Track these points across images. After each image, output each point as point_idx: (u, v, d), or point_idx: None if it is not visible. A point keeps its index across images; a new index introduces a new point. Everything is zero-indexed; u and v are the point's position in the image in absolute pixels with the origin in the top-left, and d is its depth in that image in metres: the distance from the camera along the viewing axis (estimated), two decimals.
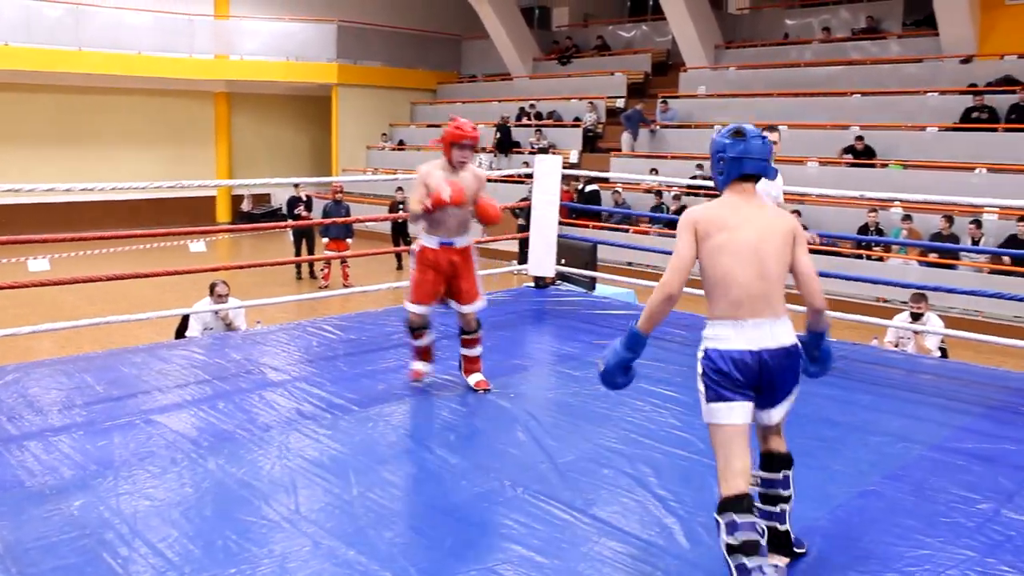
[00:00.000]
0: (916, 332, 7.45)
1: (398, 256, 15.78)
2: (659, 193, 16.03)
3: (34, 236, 6.34)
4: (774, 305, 2.86)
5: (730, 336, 2.83)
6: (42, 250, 14.18)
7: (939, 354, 7.64)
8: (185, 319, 7.66)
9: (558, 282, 7.98)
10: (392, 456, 4.03)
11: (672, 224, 15.01)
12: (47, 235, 8.06)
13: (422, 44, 24.37)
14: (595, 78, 21.18)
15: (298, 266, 14.92)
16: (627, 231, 15.76)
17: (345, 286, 13.09)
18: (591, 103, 19.76)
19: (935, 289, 7.65)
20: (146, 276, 6.47)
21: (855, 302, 11.37)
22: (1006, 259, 11.69)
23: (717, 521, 2.74)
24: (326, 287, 13.29)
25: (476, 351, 5.05)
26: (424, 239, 4.85)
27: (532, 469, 3.90)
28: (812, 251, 3.27)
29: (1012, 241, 11.64)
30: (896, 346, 7.86)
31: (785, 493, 3.00)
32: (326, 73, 22.35)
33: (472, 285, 4.92)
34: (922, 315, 7.56)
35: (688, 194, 15.33)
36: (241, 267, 8.55)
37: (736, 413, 2.81)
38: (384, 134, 23.28)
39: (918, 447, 4.22)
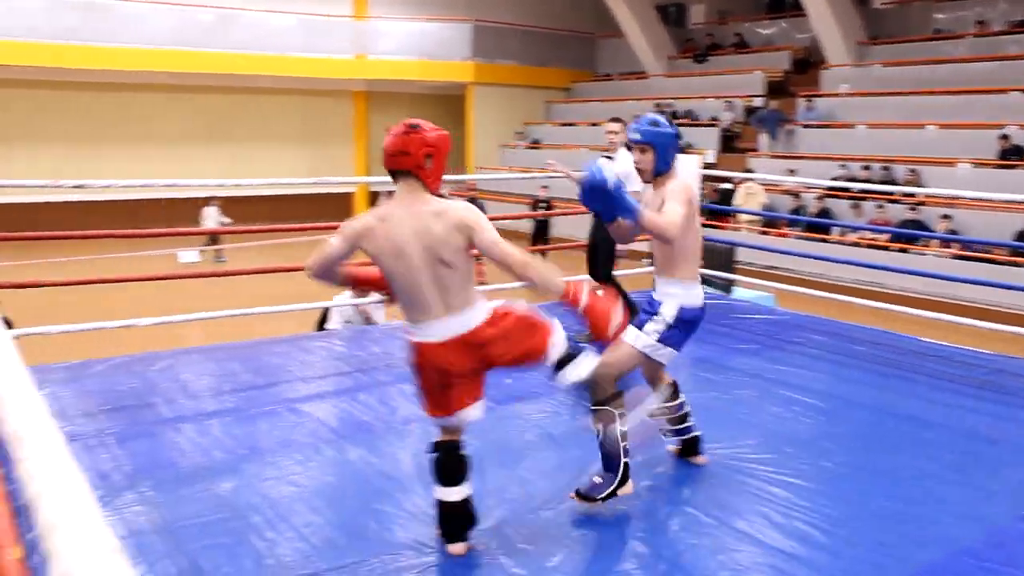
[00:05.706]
0: None
1: (542, 254, 15.83)
2: (797, 195, 15.49)
3: (187, 229, 6.62)
4: None
5: (696, 296, 3.46)
6: (193, 242, 14.84)
7: None
8: (326, 312, 7.88)
9: None
10: (522, 451, 4.03)
11: (812, 227, 14.35)
12: (198, 229, 8.39)
13: (556, 43, 24.38)
14: (732, 76, 20.70)
15: None
16: (768, 233, 15.35)
17: (481, 283, 13.18)
18: (728, 102, 19.33)
19: None
20: (288, 270, 6.67)
21: (1011, 312, 10.72)
22: None
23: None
24: None
25: None
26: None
27: (683, 468, 3.84)
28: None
29: None
30: None
31: None
32: (461, 72, 22.65)
33: None
34: None
35: (829, 196, 14.79)
36: None
37: (667, 356, 3.48)
38: (519, 132, 23.43)
39: None
